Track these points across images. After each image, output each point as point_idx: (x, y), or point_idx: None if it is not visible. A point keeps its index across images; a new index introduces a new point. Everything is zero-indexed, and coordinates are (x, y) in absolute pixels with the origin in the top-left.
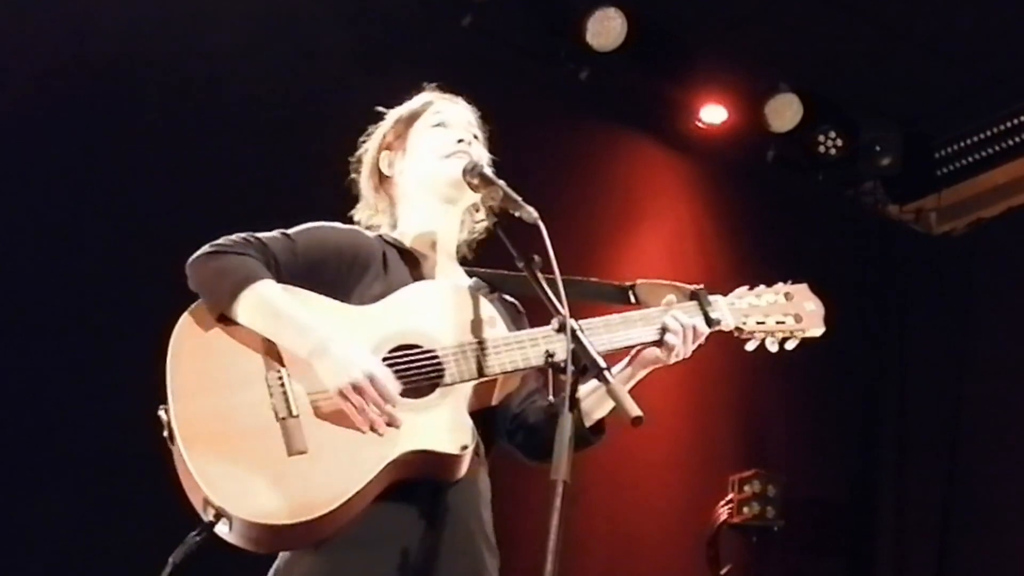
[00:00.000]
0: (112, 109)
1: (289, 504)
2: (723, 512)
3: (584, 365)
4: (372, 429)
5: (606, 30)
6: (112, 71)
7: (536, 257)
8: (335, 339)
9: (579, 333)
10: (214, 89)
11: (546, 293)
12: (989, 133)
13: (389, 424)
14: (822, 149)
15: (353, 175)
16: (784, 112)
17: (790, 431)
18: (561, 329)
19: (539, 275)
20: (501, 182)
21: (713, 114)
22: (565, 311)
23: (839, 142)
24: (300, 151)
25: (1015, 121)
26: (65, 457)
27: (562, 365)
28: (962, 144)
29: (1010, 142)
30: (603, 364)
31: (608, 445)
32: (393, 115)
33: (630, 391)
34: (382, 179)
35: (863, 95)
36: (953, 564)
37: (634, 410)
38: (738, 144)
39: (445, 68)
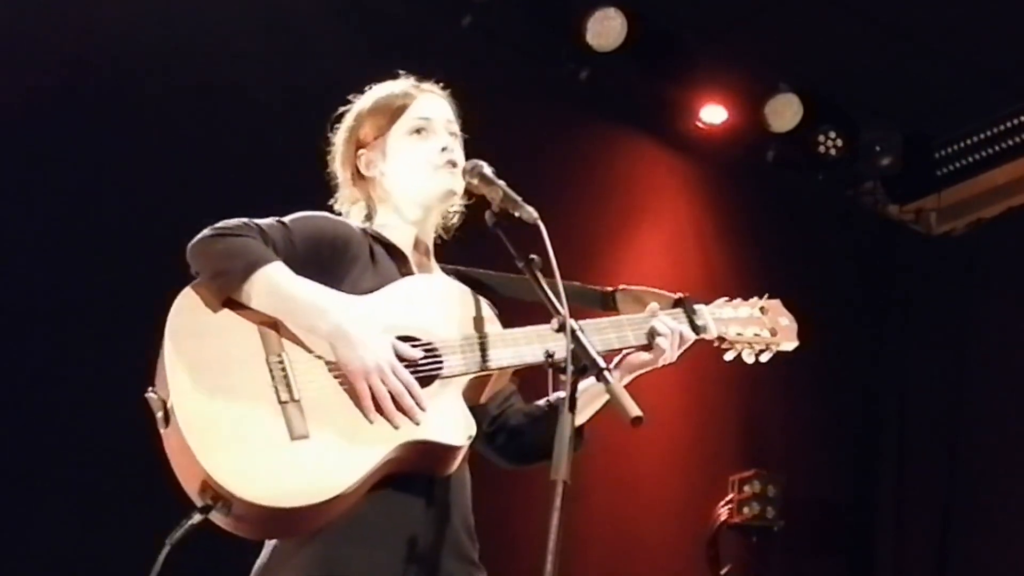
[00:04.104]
0: (110, 106)
1: (291, 488)
2: (723, 512)
3: (584, 365)
4: (384, 416)
5: (606, 30)
6: (111, 71)
7: (535, 257)
8: (355, 322)
9: (579, 333)
10: (212, 89)
11: (546, 293)
12: (989, 133)
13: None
14: (822, 149)
15: (331, 165)
16: (784, 112)
17: (790, 431)
18: (561, 329)
19: (539, 275)
20: (501, 182)
21: (713, 114)
22: (565, 311)
23: (839, 142)
24: (299, 151)
25: (1015, 121)
26: (60, 447)
27: (562, 365)
28: (962, 144)
29: (1010, 142)
30: (603, 364)
31: (608, 445)
32: (367, 105)
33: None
34: (360, 175)
35: (863, 95)
36: (953, 564)
37: (634, 410)
38: (738, 144)
39: (445, 68)
